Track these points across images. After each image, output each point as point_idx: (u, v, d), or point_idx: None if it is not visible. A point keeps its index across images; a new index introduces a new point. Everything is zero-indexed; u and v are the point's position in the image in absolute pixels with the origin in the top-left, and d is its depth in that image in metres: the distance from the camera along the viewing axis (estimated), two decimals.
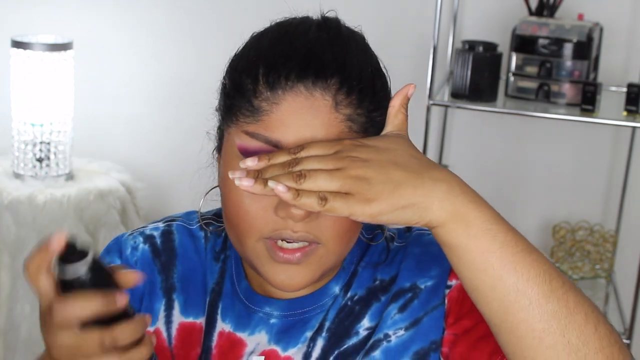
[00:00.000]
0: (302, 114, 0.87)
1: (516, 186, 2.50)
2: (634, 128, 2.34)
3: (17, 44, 2.29)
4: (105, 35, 2.60)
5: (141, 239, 1.03)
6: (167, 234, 1.04)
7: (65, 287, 0.76)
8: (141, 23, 2.59)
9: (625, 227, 2.43)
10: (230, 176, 0.82)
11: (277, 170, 0.82)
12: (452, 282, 0.98)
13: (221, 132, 0.95)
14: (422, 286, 0.98)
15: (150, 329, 1.01)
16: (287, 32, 0.92)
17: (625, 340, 2.19)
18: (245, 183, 0.81)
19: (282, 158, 0.83)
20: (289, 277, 0.90)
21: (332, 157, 0.82)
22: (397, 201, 0.80)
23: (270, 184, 0.80)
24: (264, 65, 0.89)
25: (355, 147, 0.84)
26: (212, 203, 1.01)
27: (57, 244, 0.75)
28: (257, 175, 0.82)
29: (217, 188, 0.98)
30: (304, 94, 0.88)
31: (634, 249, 2.32)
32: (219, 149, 0.96)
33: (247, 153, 0.88)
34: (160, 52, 2.61)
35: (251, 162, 0.83)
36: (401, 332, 0.97)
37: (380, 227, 1.03)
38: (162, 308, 1.01)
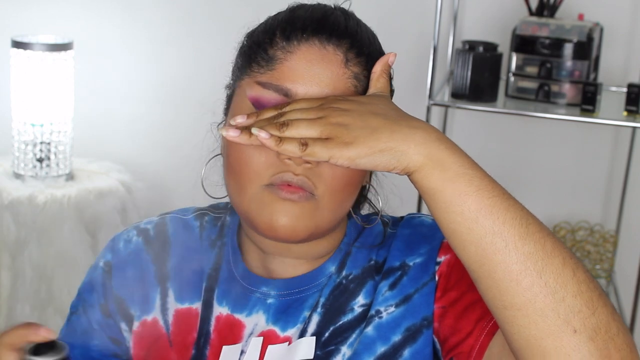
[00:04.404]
0: (314, 65, 0.93)
1: (516, 186, 2.49)
2: (634, 128, 2.34)
3: (17, 44, 2.29)
4: (105, 35, 2.60)
5: (135, 232, 1.07)
6: (160, 225, 1.07)
7: None
8: (141, 23, 2.59)
9: (625, 227, 2.43)
10: (220, 130, 0.87)
11: (263, 123, 0.87)
12: (442, 258, 1.00)
13: (231, 94, 1.01)
14: (411, 263, 1.01)
15: (148, 318, 1.03)
16: (303, 5, 0.99)
17: None
18: (232, 133, 0.86)
19: (270, 113, 0.88)
20: (288, 219, 0.93)
21: (314, 108, 0.87)
22: (375, 144, 0.83)
23: (254, 130, 0.85)
24: (282, 23, 0.96)
25: (337, 100, 0.89)
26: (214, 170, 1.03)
27: (41, 335, 0.81)
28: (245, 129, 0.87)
29: (217, 159, 1.02)
30: (318, 46, 0.94)
31: (634, 249, 2.32)
32: (227, 110, 1.01)
33: (258, 103, 0.94)
34: (160, 52, 2.61)
35: (241, 119, 0.88)
36: (392, 309, 0.99)
37: (375, 213, 1.07)
38: (158, 297, 1.04)
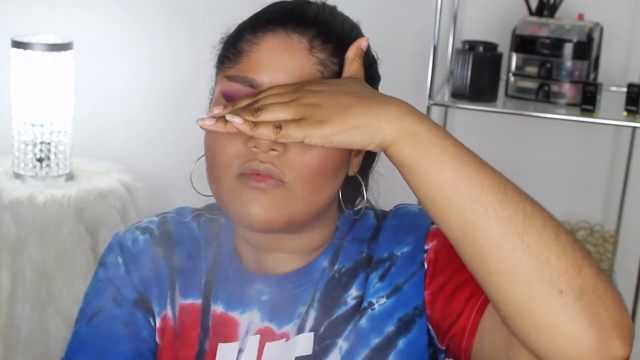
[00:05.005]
0: (278, 54, 0.94)
1: None
2: (634, 128, 2.34)
3: (17, 44, 2.29)
4: (105, 35, 2.60)
5: (138, 232, 1.07)
6: (163, 224, 1.08)
7: None
8: (141, 23, 2.59)
9: (625, 227, 2.43)
10: (197, 121, 0.88)
11: (239, 112, 0.88)
12: (429, 246, 1.01)
13: (212, 92, 1.03)
14: (399, 253, 1.01)
15: (165, 313, 1.04)
16: (280, 2, 1.01)
17: None
18: (207, 122, 0.87)
19: (245, 102, 0.90)
20: (260, 208, 0.93)
21: (287, 92, 0.88)
22: (348, 121, 0.84)
23: (228, 117, 0.86)
24: (252, 18, 0.99)
25: (310, 83, 0.90)
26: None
27: None
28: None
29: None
30: (282, 35, 0.95)
31: (634, 249, 2.32)
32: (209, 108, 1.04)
33: (228, 96, 0.96)
34: (160, 52, 2.61)
35: (217, 110, 0.89)
36: (383, 300, 1.00)
37: (366, 207, 1.07)
38: (169, 291, 1.04)
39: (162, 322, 1.04)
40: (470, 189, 0.83)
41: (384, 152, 0.87)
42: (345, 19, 1.01)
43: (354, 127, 0.84)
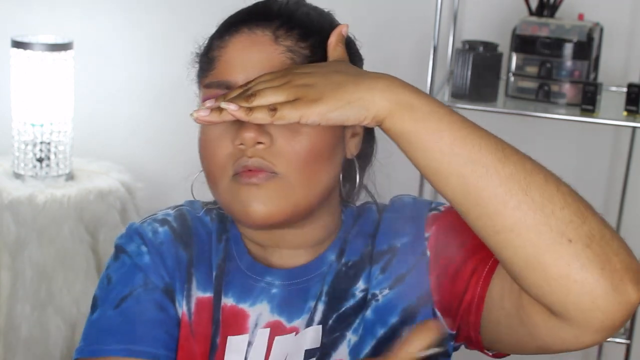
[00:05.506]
0: (245, 51, 0.96)
1: None
2: (634, 128, 2.34)
3: (17, 44, 2.29)
4: (105, 35, 2.60)
5: (157, 224, 1.06)
6: (180, 216, 1.07)
7: None
8: (141, 23, 2.59)
9: (625, 227, 2.43)
10: (190, 115, 0.88)
11: (233, 100, 0.88)
12: (429, 233, 1.01)
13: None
14: (399, 244, 1.02)
15: (182, 307, 1.03)
16: (245, 7, 1.03)
17: (625, 340, 2.19)
18: (202, 113, 0.88)
19: (237, 92, 0.90)
20: (258, 204, 0.94)
21: (278, 77, 0.89)
22: (342, 97, 0.85)
23: (222, 104, 0.86)
24: (219, 27, 1.01)
25: (299, 67, 0.92)
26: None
27: None
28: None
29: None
30: (247, 33, 0.97)
31: (634, 249, 2.31)
32: None
33: None
34: (160, 52, 2.61)
35: (210, 103, 0.89)
36: (386, 291, 1.01)
37: (373, 201, 1.08)
38: (186, 285, 1.03)
39: (183, 316, 1.03)
40: (469, 151, 0.85)
41: (380, 126, 0.87)
42: (313, 8, 1.02)
43: (348, 102, 0.85)
